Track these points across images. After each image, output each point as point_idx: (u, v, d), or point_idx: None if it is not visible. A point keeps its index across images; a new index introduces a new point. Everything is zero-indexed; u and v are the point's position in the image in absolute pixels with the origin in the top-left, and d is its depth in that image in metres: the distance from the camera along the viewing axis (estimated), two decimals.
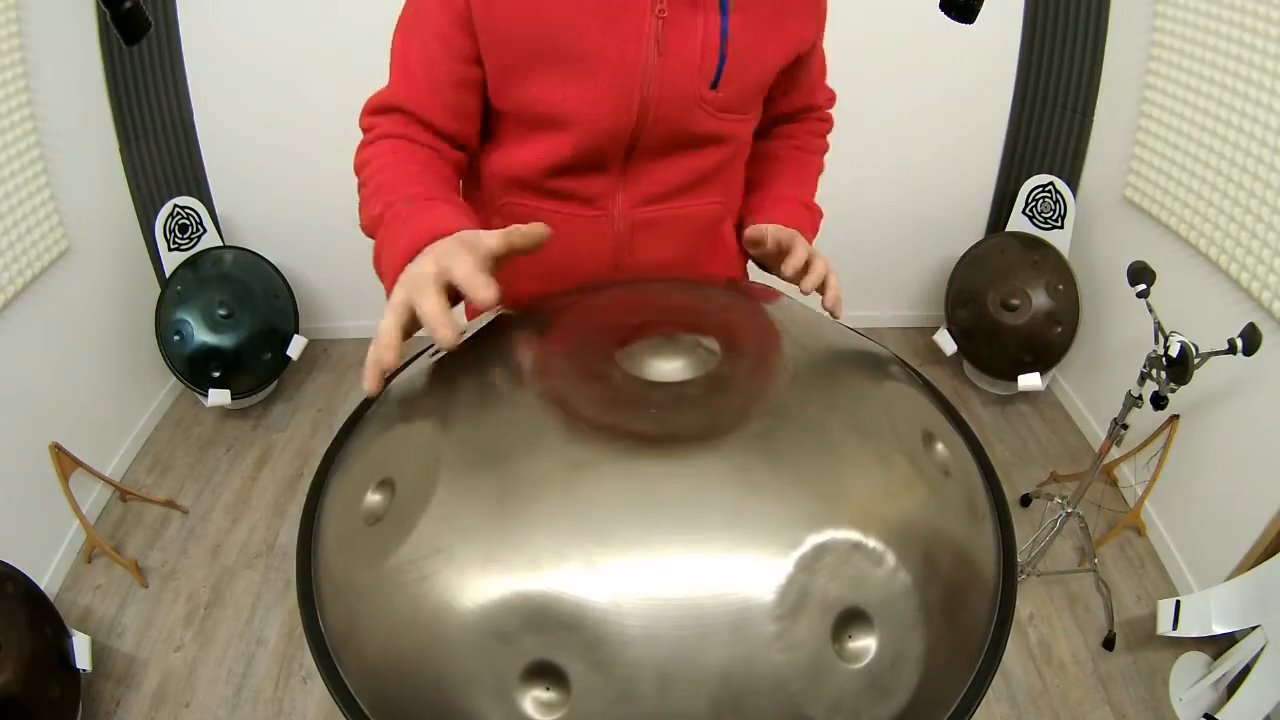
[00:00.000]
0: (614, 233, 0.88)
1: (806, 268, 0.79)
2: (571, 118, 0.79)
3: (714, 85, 0.79)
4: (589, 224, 0.88)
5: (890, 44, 2.37)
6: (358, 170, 0.79)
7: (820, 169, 1.04)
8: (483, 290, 0.53)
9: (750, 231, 0.88)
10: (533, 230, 0.60)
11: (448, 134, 0.84)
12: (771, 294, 0.68)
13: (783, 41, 0.83)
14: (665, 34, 0.75)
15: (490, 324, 0.64)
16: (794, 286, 0.82)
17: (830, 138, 1.06)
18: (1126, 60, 2.21)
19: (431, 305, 0.53)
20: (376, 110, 0.83)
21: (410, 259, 0.59)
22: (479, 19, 0.77)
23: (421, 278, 0.55)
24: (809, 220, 0.95)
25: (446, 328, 0.52)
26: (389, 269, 0.61)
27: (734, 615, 0.39)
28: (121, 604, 1.95)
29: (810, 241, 0.87)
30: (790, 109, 0.99)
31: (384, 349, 0.53)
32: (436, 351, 0.63)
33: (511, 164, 0.87)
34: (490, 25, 0.77)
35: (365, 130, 0.83)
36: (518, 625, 0.39)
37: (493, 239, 0.59)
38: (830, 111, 1.04)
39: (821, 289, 0.78)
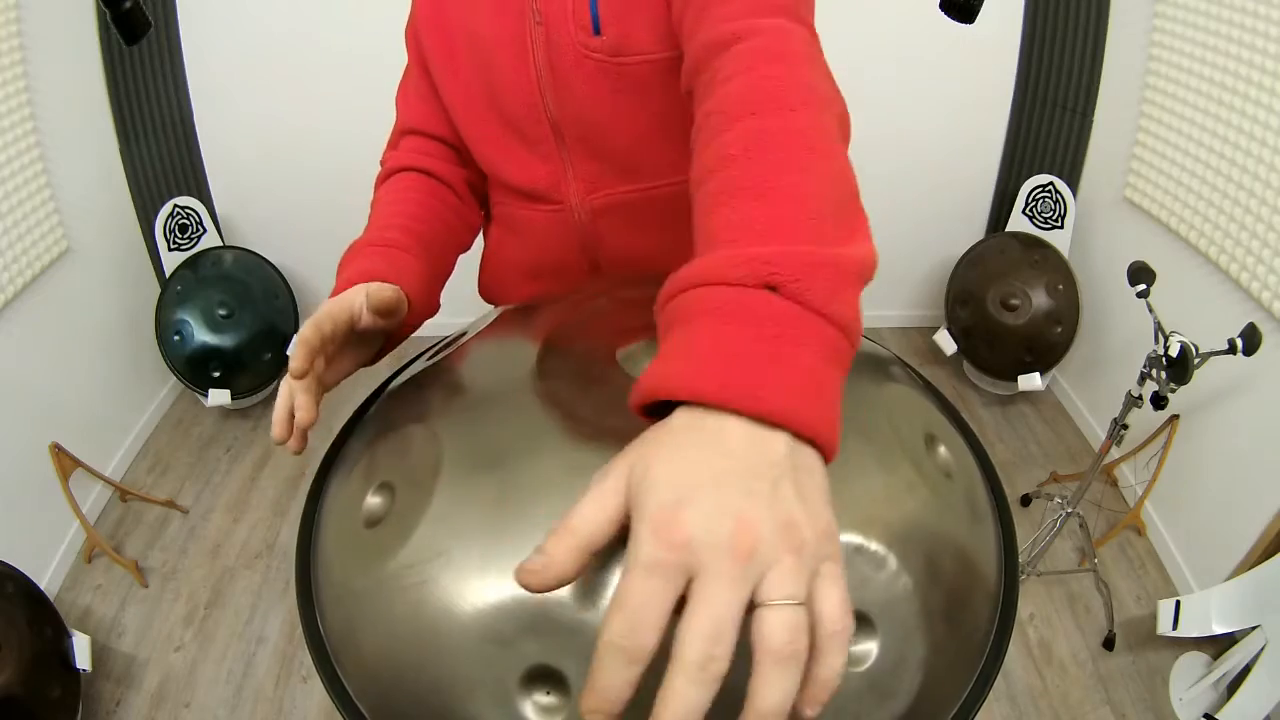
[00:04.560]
0: (576, 226, 0.84)
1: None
2: (484, 108, 0.79)
3: (596, 31, 0.73)
4: (550, 220, 0.85)
5: (890, 44, 2.37)
6: (370, 207, 0.85)
7: (759, 141, 0.46)
8: (293, 361, 0.57)
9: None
10: (378, 293, 0.62)
11: (453, 142, 0.87)
12: None
13: None
14: (538, 2, 0.74)
15: (490, 325, 0.64)
16: None
17: (791, 45, 0.54)
18: (1126, 60, 2.21)
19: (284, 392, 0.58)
20: (390, 145, 0.88)
21: None
22: (421, 41, 0.82)
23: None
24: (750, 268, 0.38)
25: (295, 359, 0.57)
26: None
27: None
28: (121, 604, 1.95)
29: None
30: (695, 50, 0.59)
31: (301, 409, 0.57)
32: (435, 354, 0.63)
33: (482, 170, 0.88)
34: (424, 42, 0.82)
35: (381, 166, 0.87)
36: (517, 629, 0.39)
37: (359, 300, 0.62)
38: (749, 22, 0.55)
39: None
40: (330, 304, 0.60)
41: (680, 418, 0.35)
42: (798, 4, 0.58)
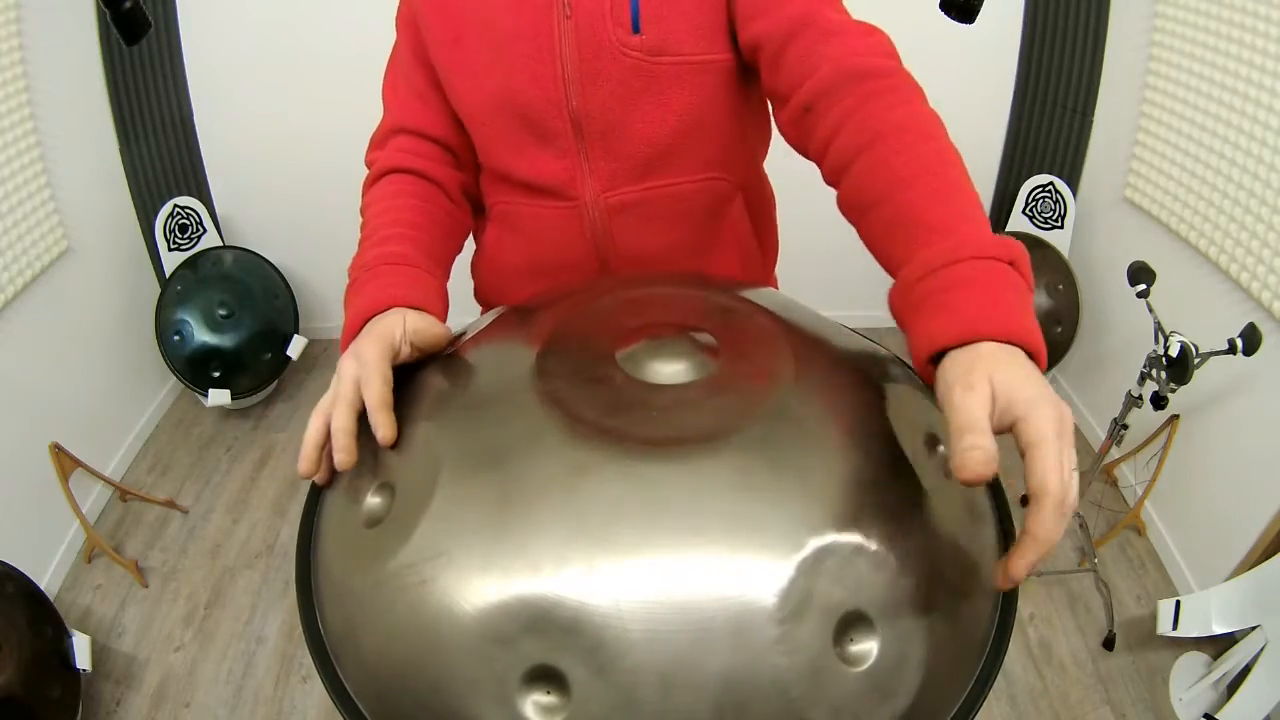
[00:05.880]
0: (589, 223, 0.82)
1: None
2: (498, 100, 0.77)
3: (636, 29, 0.72)
4: (562, 217, 0.83)
5: None
6: (360, 213, 0.80)
7: (944, 158, 0.62)
8: (381, 430, 0.52)
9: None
10: (426, 331, 0.60)
11: (447, 143, 0.84)
12: (772, 294, 0.68)
13: None
14: None
15: (491, 325, 0.64)
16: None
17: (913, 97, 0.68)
18: (1126, 60, 2.21)
19: (343, 420, 0.53)
20: (377, 144, 0.85)
21: (354, 336, 0.61)
22: (422, 28, 0.80)
23: (347, 383, 0.55)
24: (1001, 279, 0.52)
25: (382, 427, 0.52)
26: (342, 340, 0.63)
27: (735, 619, 0.39)
28: (121, 604, 1.95)
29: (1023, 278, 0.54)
30: (825, 73, 0.68)
31: (342, 451, 0.52)
32: (434, 354, 0.63)
33: (484, 166, 0.86)
34: (425, 30, 0.80)
35: (368, 167, 0.84)
36: (518, 629, 0.39)
37: (398, 333, 0.59)
38: (885, 62, 0.69)
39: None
40: (375, 348, 0.56)
41: (990, 347, 0.48)
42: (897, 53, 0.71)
